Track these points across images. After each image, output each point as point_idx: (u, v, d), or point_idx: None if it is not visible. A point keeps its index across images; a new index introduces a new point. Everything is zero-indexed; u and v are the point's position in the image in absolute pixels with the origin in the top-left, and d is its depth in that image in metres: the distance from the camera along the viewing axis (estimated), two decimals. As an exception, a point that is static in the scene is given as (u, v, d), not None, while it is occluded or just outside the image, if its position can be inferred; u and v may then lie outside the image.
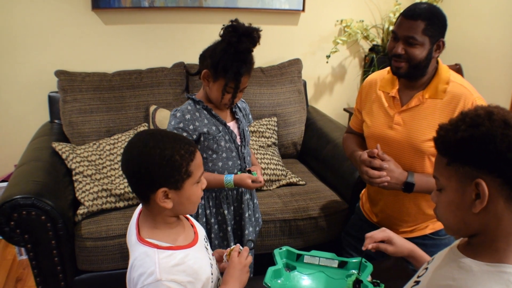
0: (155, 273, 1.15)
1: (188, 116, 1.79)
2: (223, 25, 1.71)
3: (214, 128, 1.82)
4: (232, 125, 1.89)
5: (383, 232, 1.48)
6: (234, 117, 1.93)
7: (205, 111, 1.83)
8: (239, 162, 1.91)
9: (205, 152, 1.84)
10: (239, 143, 1.90)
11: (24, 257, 2.84)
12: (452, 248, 1.08)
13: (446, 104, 1.67)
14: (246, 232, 2.01)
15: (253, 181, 1.84)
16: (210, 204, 1.93)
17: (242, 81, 1.74)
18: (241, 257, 1.41)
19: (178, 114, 1.79)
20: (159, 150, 1.17)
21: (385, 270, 1.53)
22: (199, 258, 1.30)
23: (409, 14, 1.62)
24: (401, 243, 1.47)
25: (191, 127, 1.77)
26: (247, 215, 2.00)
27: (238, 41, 1.66)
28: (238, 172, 1.90)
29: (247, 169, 1.91)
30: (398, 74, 1.70)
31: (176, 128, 1.77)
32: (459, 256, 1.02)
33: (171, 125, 1.79)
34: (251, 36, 1.67)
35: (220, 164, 1.87)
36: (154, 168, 1.17)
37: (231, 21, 1.69)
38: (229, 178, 1.83)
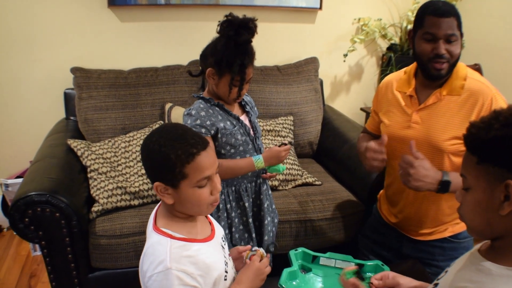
0: (165, 262, 1.16)
1: (203, 113, 1.79)
2: (219, 21, 1.72)
3: (229, 123, 1.83)
4: (243, 118, 1.91)
5: (390, 280, 1.41)
6: (244, 110, 1.95)
7: (217, 108, 1.84)
8: (255, 153, 1.92)
9: (223, 148, 1.85)
10: (253, 135, 1.92)
11: (38, 253, 2.85)
12: (473, 252, 1.06)
13: (464, 100, 1.64)
14: (266, 222, 2.02)
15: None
16: (231, 198, 1.93)
17: (247, 72, 1.76)
18: (262, 263, 1.41)
19: (193, 112, 1.80)
20: (157, 146, 1.18)
21: (402, 273, 1.51)
22: (213, 254, 1.29)
23: (440, 13, 1.58)
24: (408, 284, 1.38)
25: (208, 122, 1.78)
26: (265, 205, 2.01)
27: (236, 33, 1.68)
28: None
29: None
30: (439, 76, 1.65)
31: (193, 126, 1.77)
32: (479, 260, 1.00)
33: (188, 125, 1.79)
34: (248, 27, 1.69)
35: (238, 158, 1.88)
36: (151, 162, 1.22)
37: (226, 15, 1.71)
38: (257, 157, 1.86)
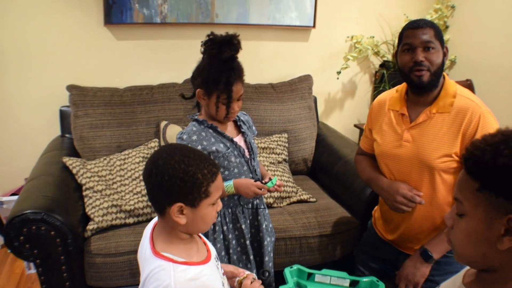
0: (170, 286, 1.15)
1: (194, 137, 1.78)
2: (201, 41, 1.72)
3: (222, 145, 1.81)
4: (238, 139, 1.89)
5: None
6: (239, 131, 1.93)
7: (210, 130, 1.82)
8: (250, 175, 1.90)
9: None
10: (248, 157, 1.90)
11: (33, 271, 2.83)
12: (456, 281, 1.01)
13: (453, 118, 1.67)
14: (265, 243, 2.00)
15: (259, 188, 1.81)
16: (227, 220, 1.92)
17: (234, 89, 1.73)
18: (253, 285, 1.42)
19: (185, 137, 1.79)
20: (184, 165, 1.18)
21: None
22: (212, 275, 1.30)
23: (416, 25, 1.68)
24: None
25: (199, 147, 1.76)
26: (264, 226, 2.00)
27: (219, 51, 1.67)
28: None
29: (266, 180, 1.88)
30: (421, 83, 1.68)
31: None
32: None
33: None
34: (230, 43, 1.68)
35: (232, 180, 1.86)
36: (176, 181, 1.17)
37: (208, 35, 1.71)
38: (228, 182, 1.81)
